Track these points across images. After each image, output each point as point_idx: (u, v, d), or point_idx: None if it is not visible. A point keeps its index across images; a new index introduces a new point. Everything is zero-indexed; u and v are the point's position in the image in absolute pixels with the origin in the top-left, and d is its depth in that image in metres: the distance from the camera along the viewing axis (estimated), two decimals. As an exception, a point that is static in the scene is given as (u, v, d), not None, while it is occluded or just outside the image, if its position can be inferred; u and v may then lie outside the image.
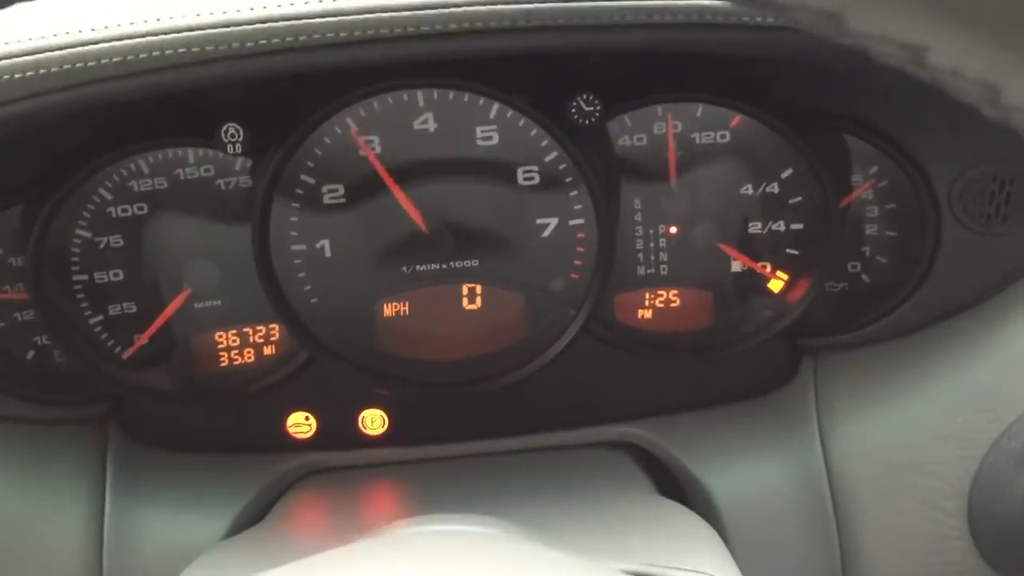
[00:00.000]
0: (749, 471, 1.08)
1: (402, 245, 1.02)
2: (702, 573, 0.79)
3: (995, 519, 0.98)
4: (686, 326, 1.10)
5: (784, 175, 1.02)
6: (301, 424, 1.12)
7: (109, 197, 1.00)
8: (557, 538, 0.86)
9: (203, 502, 1.07)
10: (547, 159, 1.00)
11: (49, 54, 0.74)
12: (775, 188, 1.03)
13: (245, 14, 0.76)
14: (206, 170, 1.01)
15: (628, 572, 0.77)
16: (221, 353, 1.08)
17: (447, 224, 1.02)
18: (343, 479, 1.12)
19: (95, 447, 1.08)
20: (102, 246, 1.02)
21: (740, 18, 0.83)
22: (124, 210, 1.01)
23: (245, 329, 1.08)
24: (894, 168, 1.03)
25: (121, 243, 1.02)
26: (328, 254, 1.02)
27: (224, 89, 0.84)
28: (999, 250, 1.02)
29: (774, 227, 1.05)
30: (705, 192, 1.04)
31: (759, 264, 1.06)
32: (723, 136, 1.02)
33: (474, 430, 1.13)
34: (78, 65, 0.74)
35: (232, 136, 0.90)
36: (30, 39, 0.75)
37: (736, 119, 1.01)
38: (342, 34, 0.75)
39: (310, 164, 0.99)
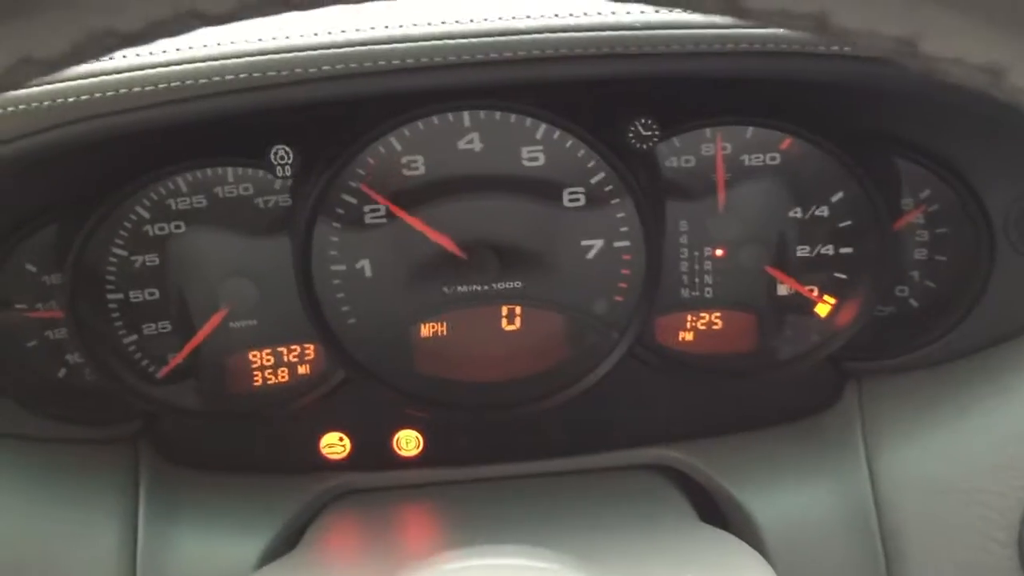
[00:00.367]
0: (793, 496, 1.06)
1: (443, 266, 1.01)
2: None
3: (1048, 551, 0.96)
4: (729, 349, 1.08)
5: (834, 198, 1.01)
6: (335, 445, 1.10)
7: (146, 215, 0.98)
8: (604, 569, 0.84)
9: (237, 523, 1.06)
10: (593, 180, 0.98)
11: (103, 79, 0.72)
12: (825, 211, 1.01)
13: (303, 40, 0.74)
14: (245, 189, 0.99)
15: None
16: (255, 372, 1.06)
17: (491, 244, 1.00)
18: (378, 501, 1.11)
19: (127, 467, 1.07)
20: (138, 264, 1.00)
21: (813, 47, 0.81)
22: (161, 228, 0.99)
23: (280, 349, 1.06)
24: (946, 191, 1.01)
25: (157, 261, 1.00)
26: (368, 274, 1.01)
27: (272, 111, 0.82)
28: (1053, 277, 1.01)
29: (823, 251, 1.03)
30: (753, 214, 1.02)
31: (806, 288, 1.04)
32: (773, 158, 1.00)
33: (510, 452, 1.11)
34: (133, 90, 0.72)
35: (282, 159, 0.88)
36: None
37: (787, 141, 0.99)
38: (408, 61, 0.73)
39: (352, 184, 0.97)
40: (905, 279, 1.07)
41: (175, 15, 0.31)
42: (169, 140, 0.89)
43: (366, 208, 0.98)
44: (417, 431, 1.10)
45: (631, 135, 0.91)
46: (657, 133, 0.91)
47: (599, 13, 0.80)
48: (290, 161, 0.89)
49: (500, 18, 0.80)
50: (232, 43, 0.74)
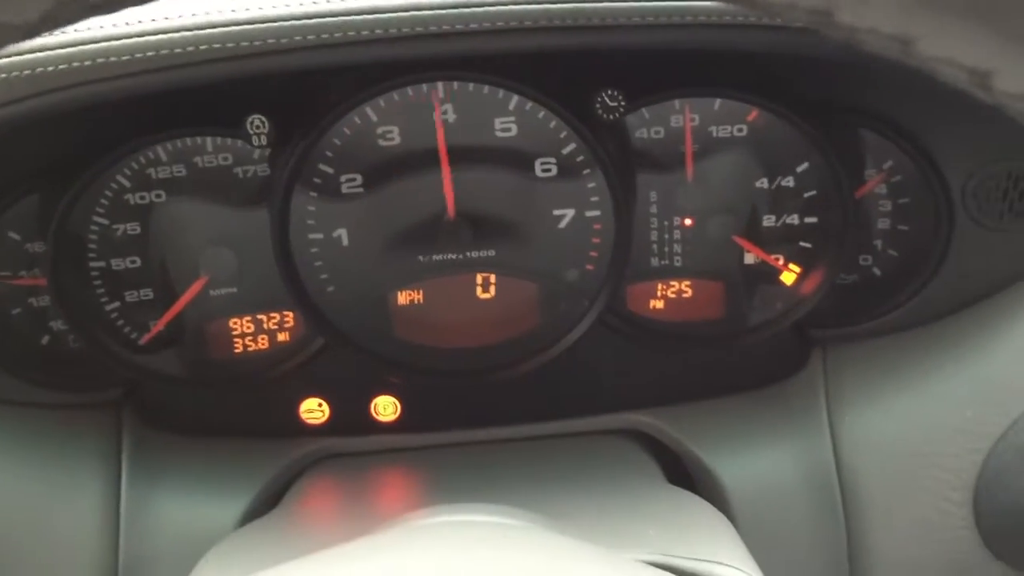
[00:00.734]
0: (758, 460, 1.09)
1: (418, 234, 1.03)
2: (720, 563, 0.80)
3: (1000, 511, 1.00)
4: (698, 317, 1.11)
5: (800, 169, 1.03)
6: (314, 410, 1.13)
7: (127, 184, 1.00)
8: (573, 527, 0.87)
9: (218, 487, 1.08)
10: (565, 151, 1.00)
11: (82, 48, 0.74)
12: (790, 182, 1.04)
13: (280, 10, 0.76)
14: (224, 158, 1.00)
15: (649, 563, 0.78)
16: (236, 339, 1.09)
17: (464, 214, 1.02)
18: (356, 465, 1.13)
19: (110, 432, 1.09)
20: (119, 233, 1.02)
21: (758, 19, 0.83)
22: (142, 197, 1.01)
23: (260, 316, 1.08)
24: (908, 163, 1.03)
25: (138, 230, 1.02)
26: (345, 243, 1.03)
27: (249, 81, 0.84)
28: (1010, 246, 1.03)
29: (788, 220, 1.06)
30: (721, 185, 1.05)
31: (772, 256, 1.07)
32: (740, 130, 1.03)
33: (484, 417, 1.14)
34: (111, 60, 0.74)
35: (257, 128, 0.90)
36: (61, 32, 0.75)
37: (753, 113, 1.01)
38: (377, 31, 0.75)
39: (329, 154, 0.99)
40: (868, 248, 1.09)
41: None
42: (148, 110, 0.91)
43: (343, 178, 1.00)
44: (394, 397, 1.13)
45: (598, 106, 0.94)
46: (623, 104, 0.93)
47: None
48: (266, 130, 0.91)
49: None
50: (208, 13, 0.75)
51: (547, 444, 1.14)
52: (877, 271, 1.10)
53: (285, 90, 0.93)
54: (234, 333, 1.08)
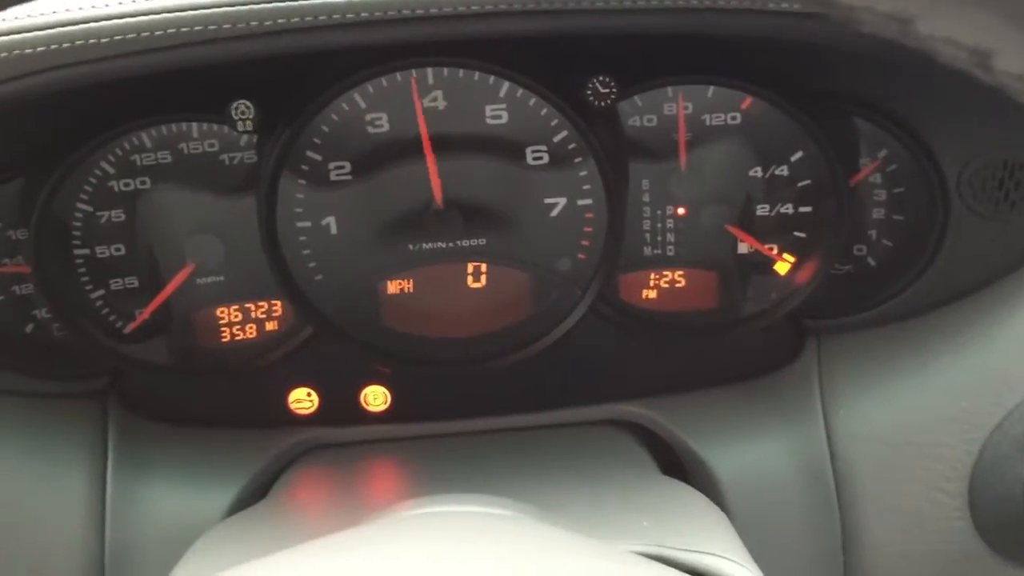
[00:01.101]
0: (752, 450, 1.08)
1: (408, 223, 1.02)
2: (713, 555, 0.80)
3: (995, 501, 0.99)
4: (691, 307, 1.10)
5: (794, 158, 1.02)
6: (303, 400, 1.11)
7: (111, 171, 0.99)
8: (566, 518, 0.87)
9: (205, 477, 1.07)
10: (556, 139, 0.99)
11: (62, 29, 0.72)
12: (784, 170, 1.03)
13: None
14: (210, 145, 0.99)
15: (642, 554, 0.77)
16: (223, 328, 1.07)
17: (454, 202, 1.01)
18: (345, 455, 1.12)
19: (96, 421, 1.08)
20: (104, 220, 1.00)
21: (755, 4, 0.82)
22: (126, 184, 0.99)
23: (247, 305, 1.07)
24: (903, 152, 1.02)
25: (123, 217, 1.01)
26: (334, 231, 1.01)
27: (233, 66, 0.82)
28: (1006, 236, 1.02)
29: (782, 209, 1.04)
30: (714, 174, 1.04)
31: (766, 246, 1.06)
32: (734, 118, 1.01)
33: (475, 407, 1.13)
34: (91, 42, 0.73)
35: (242, 113, 0.89)
36: (41, 14, 0.74)
37: (747, 101, 1.00)
38: (363, 14, 0.74)
39: (316, 141, 0.97)
40: (863, 238, 1.08)
41: None
42: (133, 96, 0.90)
43: (331, 165, 0.99)
44: (384, 387, 1.12)
45: (589, 93, 0.92)
46: (615, 91, 0.92)
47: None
48: (251, 116, 0.89)
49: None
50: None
51: (539, 435, 1.13)
52: (872, 261, 1.09)
53: (271, 76, 0.91)
54: (221, 322, 1.07)
